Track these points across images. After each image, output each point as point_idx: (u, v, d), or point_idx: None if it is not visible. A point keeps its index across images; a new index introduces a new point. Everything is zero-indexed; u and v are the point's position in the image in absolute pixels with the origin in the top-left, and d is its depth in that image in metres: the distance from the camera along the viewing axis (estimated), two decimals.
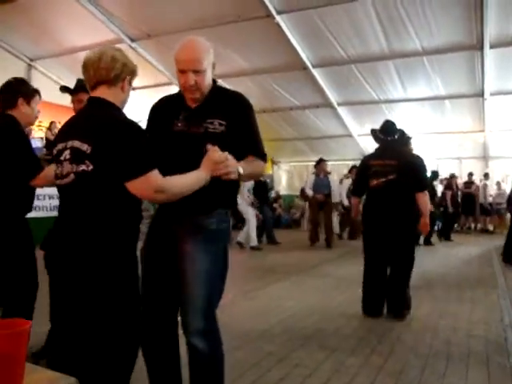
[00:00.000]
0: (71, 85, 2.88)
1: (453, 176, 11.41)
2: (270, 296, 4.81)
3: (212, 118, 1.88)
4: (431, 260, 7.32)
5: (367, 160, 4.22)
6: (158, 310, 1.95)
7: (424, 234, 3.99)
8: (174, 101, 2.02)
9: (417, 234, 4.98)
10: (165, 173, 1.68)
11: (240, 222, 9.99)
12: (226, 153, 1.77)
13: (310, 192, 9.18)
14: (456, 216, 11.46)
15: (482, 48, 8.68)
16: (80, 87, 2.69)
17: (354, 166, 10.44)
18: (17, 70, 10.68)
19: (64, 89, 2.41)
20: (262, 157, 1.99)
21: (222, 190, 1.89)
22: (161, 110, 2.05)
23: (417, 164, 4.10)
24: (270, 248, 8.92)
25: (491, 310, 4.22)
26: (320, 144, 13.83)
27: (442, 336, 3.44)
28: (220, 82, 12.80)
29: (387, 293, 3.97)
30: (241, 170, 1.81)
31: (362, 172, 4.22)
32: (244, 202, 8.59)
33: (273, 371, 2.74)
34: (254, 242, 8.64)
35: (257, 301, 4.53)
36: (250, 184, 8.53)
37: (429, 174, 9.95)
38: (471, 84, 10.08)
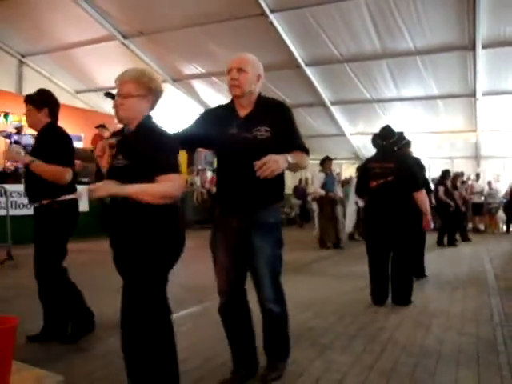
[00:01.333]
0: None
1: (457, 175, 10.49)
2: None
3: (259, 126, 2.29)
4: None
5: (368, 162, 4.54)
6: (232, 284, 2.49)
7: (425, 228, 4.43)
8: (225, 109, 2.45)
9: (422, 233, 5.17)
10: (225, 167, 2.38)
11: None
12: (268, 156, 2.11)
13: (321, 191, 8.57)
14: (465, 216, 10.80)
15: (474, 48, 8.74)
16: None
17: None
18: (8, 66, 10.58)
19: (108, 94, 2.50)
20: (306, 151, 2.40)
21: (273, 187, 2.32)
22: (214, 115, 2.48)
23: (411, 166, 4.40)
24: None
25: (482, 308, 4.25)
26: (313, 143, 13.76)
27: (433, 334, 3.45)
28: (213, 80, 12.82)
29: (392, 283, 4.31)
30: (290, 159, 2.21)
31: (363, 174, 4.52)
32: None
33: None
34: None
35: (248, 299, 4.51)
36: None
37: (433, 175, 9.71)
38: (463, 84, 10.14)
